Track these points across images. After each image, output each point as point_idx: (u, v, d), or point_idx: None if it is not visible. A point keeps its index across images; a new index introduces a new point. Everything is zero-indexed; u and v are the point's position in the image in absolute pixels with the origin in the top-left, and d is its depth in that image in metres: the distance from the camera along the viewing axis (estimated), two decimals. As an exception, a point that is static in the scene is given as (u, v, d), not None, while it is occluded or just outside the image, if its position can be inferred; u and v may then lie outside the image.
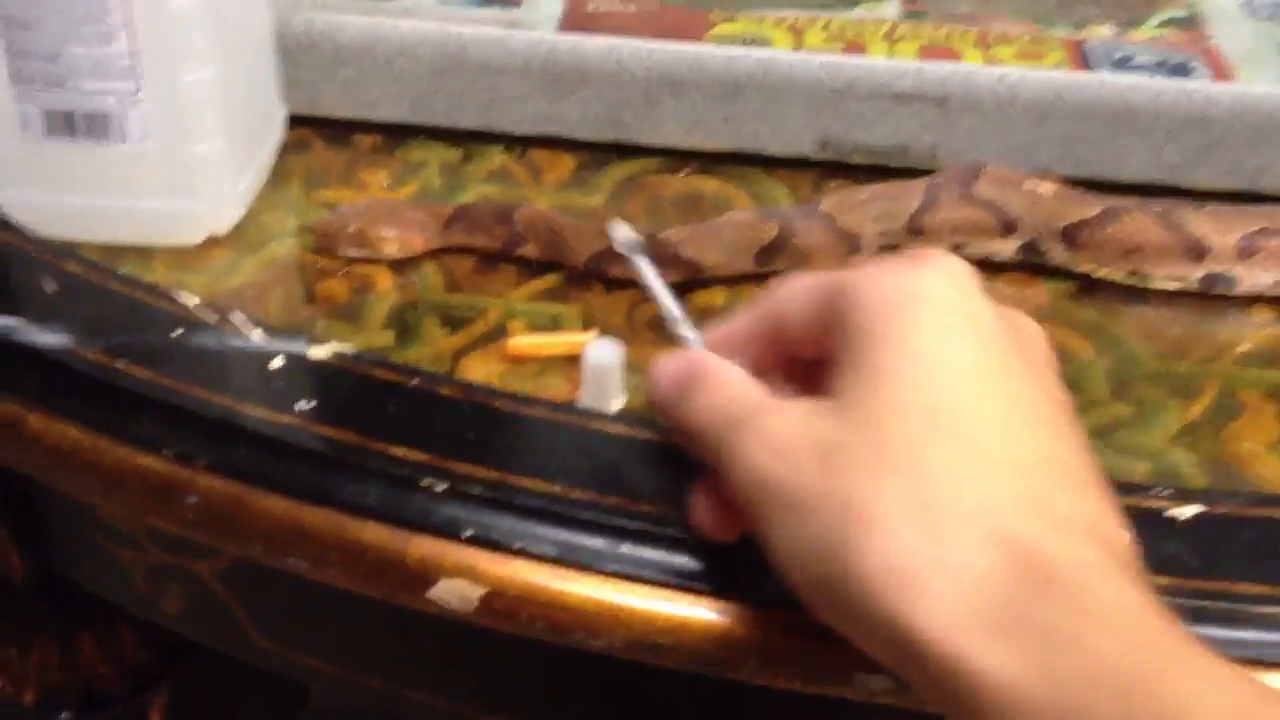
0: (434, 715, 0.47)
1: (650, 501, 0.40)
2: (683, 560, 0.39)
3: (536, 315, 0.50)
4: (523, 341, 0.47)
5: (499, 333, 0.48)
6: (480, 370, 0.47)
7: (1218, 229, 0.50)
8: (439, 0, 0.61)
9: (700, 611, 0.38)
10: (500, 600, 0.39)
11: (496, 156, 0.58)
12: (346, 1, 0.59)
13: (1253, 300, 0.51)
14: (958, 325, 0.33)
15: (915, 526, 0.30)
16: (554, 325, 0.49)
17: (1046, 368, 0.35)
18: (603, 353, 0.44)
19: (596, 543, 0.39)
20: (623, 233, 0.42)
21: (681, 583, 0.39)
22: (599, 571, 0.39)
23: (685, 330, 0.39)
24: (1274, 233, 0.50)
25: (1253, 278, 0.50)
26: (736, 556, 0.38)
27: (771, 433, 0.33)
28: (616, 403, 0.45)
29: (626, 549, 0.39)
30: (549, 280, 0.51)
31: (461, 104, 0.58)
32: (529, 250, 0.52)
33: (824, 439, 0.32)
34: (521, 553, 0.39)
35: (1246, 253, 0.50)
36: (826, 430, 0.32)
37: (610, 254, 0.51)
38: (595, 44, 0.57)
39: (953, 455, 0.31)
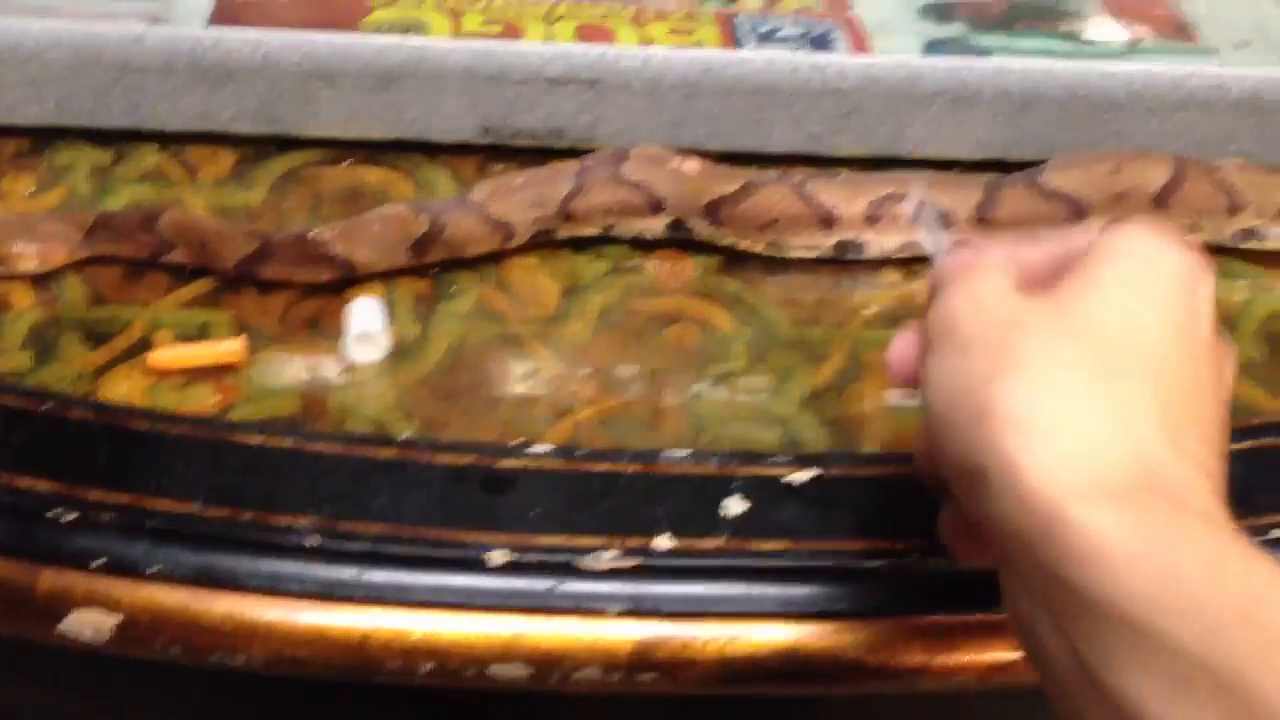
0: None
1: (288, 513, 0.40)
2: (322, 571, 0.39)
3: (185, 324, 0.49)
4: (164, 355, 0.47)
5: (145, 345, 0.48)
6: (123, 387, 0.46)
7: (846, 197, 0.53)
8: (86, -7, 0.59)
9: (340, 619, 0.39)
10: (135, 628, 0.39)
11: (150, 156, 0.57)
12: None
13: (882, 263, 0.54)
14: (1176, 290, 0.36)
15: (1062, 393, 0.33)
16: (203, 333, 0.49)
17: (1222, 377, 0.38)
18: (366, 308, 0.49)
19: (233, 560, 0.39)
20: (914, 204, 0.43)
21: (323, 592, 0.39)
22: (236, 589, 0.39)
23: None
24: (899, 198, 0.53)
25: (880, 242, 0.54)
26: (371, 562, 0.39)
27: (980, 288, 0.36)
28: (383, 350, 0.48)
29: (264, 564, 0.39)
30: (199, 286, 0.51)
31: (107, 104, 0.56)
32: (177, 256, 0.51)
33: (1022, 314, 0.35)
34: (155, 577, 0.39)
35: (873, 219, 0.53)
36: (1028, 309, 0.35)
37: (261, 255, 0.50)
38: (241, 38, 0.56)
39: (1123, 368, 0.34)
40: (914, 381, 0.38)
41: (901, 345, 0.39)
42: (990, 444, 0.33)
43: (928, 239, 0.41)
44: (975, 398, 0.34)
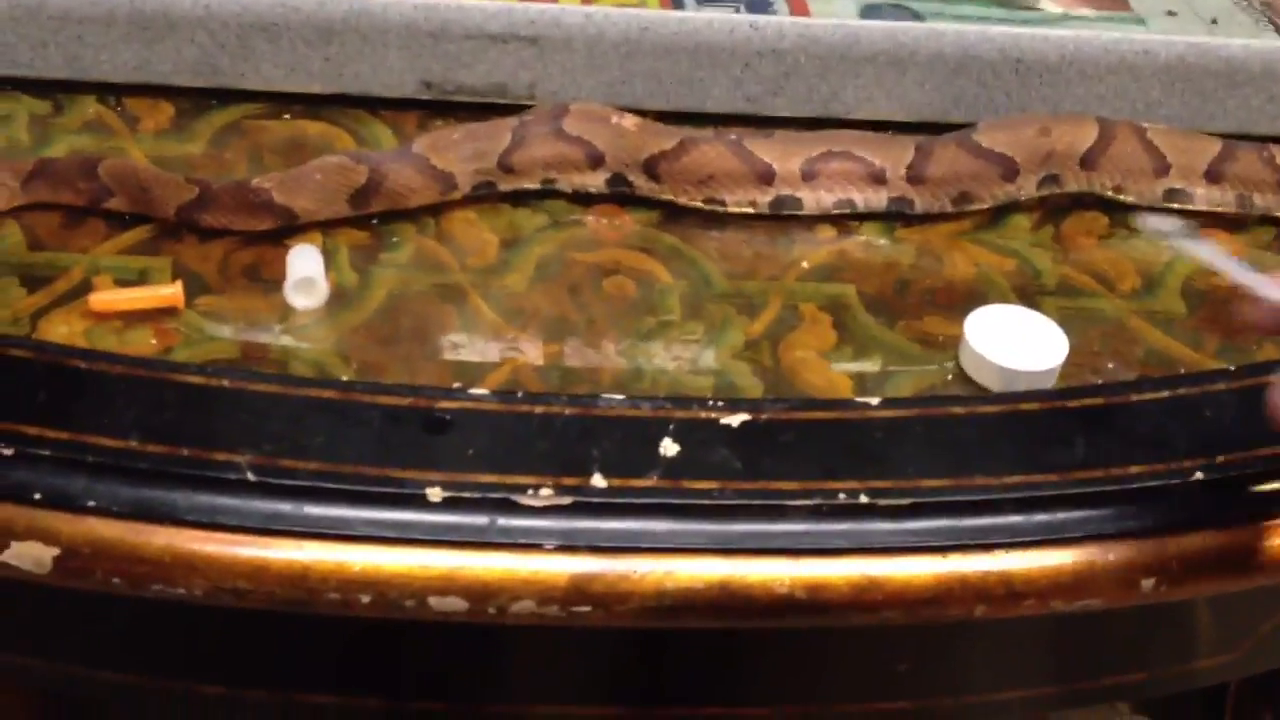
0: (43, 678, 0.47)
1: (226, 449, 0.41)
2: (260, 505, 0.40)
3: (124, 270, 0.49)
4: (104, 297, 0.47)
5: (84, 290, 0.48)
6: (62, 330, 0.46)
7: (782, 155, 0.54)
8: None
9: (280, 553, 0.39)
10: (75, 559, 0.39)
11: (90, 106, 0.57)
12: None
13: (818, 219, 0.55)
14: None
15: None
16: (142, 279, 0.49)
17: None
18: (306, 255, 0.49)
19: (170, 495, 0.40)
20: None
21: (259, 526, 0.40)
22: (174, 522, 0.39)
23: None
24: (833, 155, 0.54)
25: (816, 199, 0.55)
26: (310, 496, 0.40)
27: None
28: (322, 297, 0.48)
29: (202, 498, 0.40)
30: (138, 233, 0.51)
31: (47, 54, 0.56)
32: (117, 203, 0.51)
33: None
34: (93, 510, 0.39)
35: (809, 176, 0.54)
36: None
37: (201, 203, 0.51)
38: (182, -10, 0.56)
39: None
40: None
41: None
42: None
43: None
44: None
